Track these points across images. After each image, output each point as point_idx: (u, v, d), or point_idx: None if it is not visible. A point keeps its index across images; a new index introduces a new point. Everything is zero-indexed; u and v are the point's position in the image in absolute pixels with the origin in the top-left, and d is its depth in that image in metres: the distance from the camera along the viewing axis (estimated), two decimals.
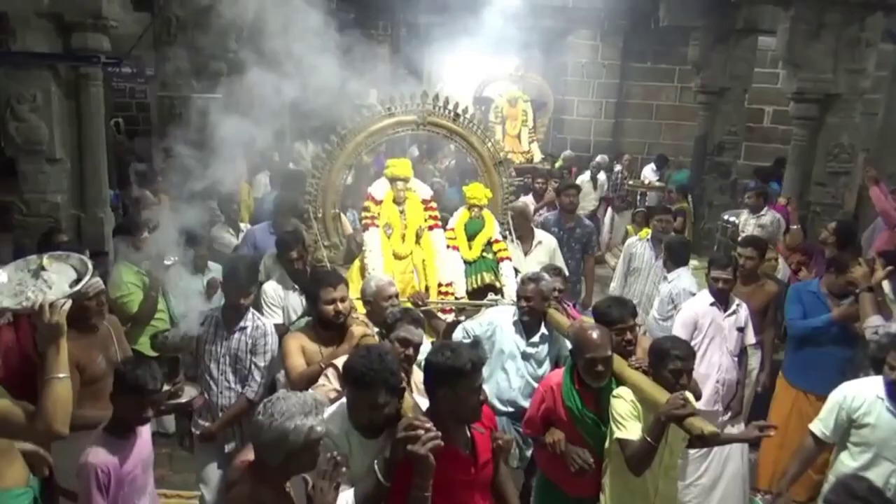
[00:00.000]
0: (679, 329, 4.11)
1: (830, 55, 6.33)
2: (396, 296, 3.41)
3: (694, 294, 4.63)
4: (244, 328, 3.36)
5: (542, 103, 10.32)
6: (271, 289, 4.00)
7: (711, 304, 4.23)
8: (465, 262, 4.32)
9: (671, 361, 2.85)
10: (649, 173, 10.57)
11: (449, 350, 2.35)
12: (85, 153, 4.94)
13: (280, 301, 3.99)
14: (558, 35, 11.60)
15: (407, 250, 4.15)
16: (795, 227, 6.00)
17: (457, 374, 2.30)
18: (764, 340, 4.54)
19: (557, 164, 9.73)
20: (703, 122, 9.22)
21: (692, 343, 3.84)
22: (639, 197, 9.77)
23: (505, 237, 4.59)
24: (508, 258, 4.40)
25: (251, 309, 3.40)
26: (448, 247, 4.29)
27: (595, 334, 2.93)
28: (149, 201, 5.67)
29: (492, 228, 4.46)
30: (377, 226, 4.12)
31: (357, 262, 4.11)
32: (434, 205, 4.36)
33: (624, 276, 5.61)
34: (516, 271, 4.36)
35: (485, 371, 3.62)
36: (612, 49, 12.04)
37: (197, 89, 5.68)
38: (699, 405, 3.45)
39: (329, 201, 4.38)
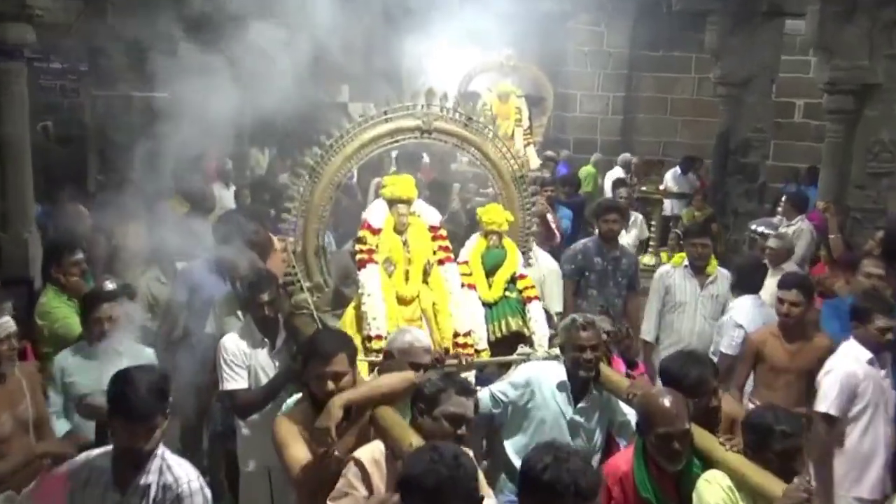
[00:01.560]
0: (839, 399, 3.83)
1: (866, 40, 6.10)
2: (430, 351, 3.27)
3: (741, 326, 4.55)
4: (145, 488, 2.37)
5: (538, 98, 10.11)
6: (233, 344, 3.77)
7: (869, 362, 3.93)
8: (485, 304, 4.04)
9: (778, 440, 2.67)
10: (672, 179, 10.32)
11: (553, 457, 2.16)
12: (6, 162, 4.86)
13: (245, 360, 3.77)
14: (557, 20, 11.45)
15: (413, 292, 3.86)
16: (834, 236, 5.78)
17: (554, 497, 2.11)
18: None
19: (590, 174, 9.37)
20: (725, 118, 9.06)
21: (850, 413, 3.77)
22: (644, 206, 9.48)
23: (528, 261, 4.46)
24: (537, 297, 4.14)
25: (161, 451, 2.43)
26: (463, 285, 3.99)
27: (668, 402, 2.78)
28: (80, 216, 5.35)
29: (515, 260, 4.19)
30: (376, 262, 3.81)
31: (350, 310, 3.82)
32: (444, 233, 4.07)
33: (659, 314, 5.34)
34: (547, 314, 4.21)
35: (519, 444, 3.50)
36: (619, 35, 11.95)
37: (138, 87, 5.71)
38: (863, 492, 3.44)
39: (311, 230, 4.10)
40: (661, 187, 9.13)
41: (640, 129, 12.36)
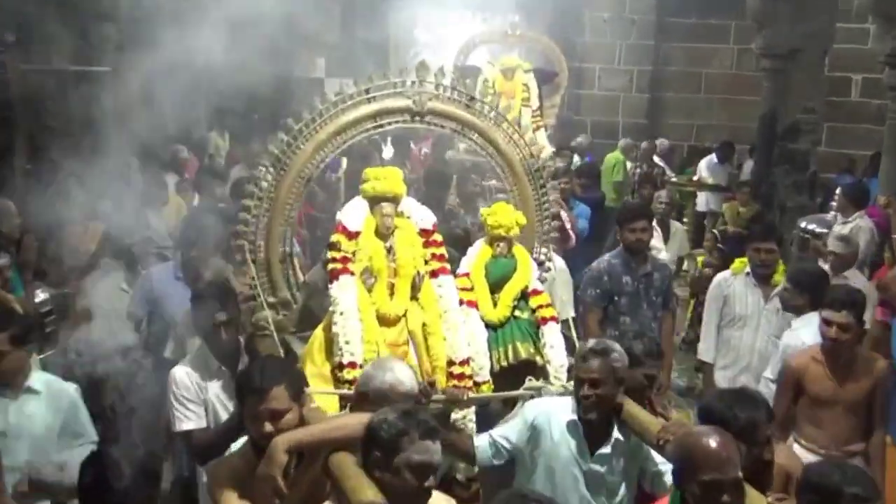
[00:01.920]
0: None
1: None
2: (413, 396, 3.14)
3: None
4: None
5: (550, 74, 9.94)
6: (183, 375, 3.72)
7: None
8: (489, 325, 3.98)
9: None
10: (707, 169, 10.25)
11: None
12: None
13: (197, 394, 3.73)
14: None
15: (398, 310, 3.77)
16: None
17: None
18: (874, 448, 4.29)
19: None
20: (770, 97, 9.10)
21: None
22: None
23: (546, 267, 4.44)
24: (554, 318, 4.04)
25: None
26: (462, 302, 3.91)
27: (715, 443, 2.62)
28: (4, 211, 5.32)
29: (527, 272, 4.12)
30: (351, 273, 3.71)
31: (319, 331, 3.73)
32: (438, 238, 3.98)
33: (717, 328, 5.29)
34: (566, 339, 4.09)
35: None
36: (643, 0, 11.94)
37: (76, 61, 5.70)
38: None
39: (275, 234, 4.03)
40: (695, 178, 8.98)
41: (668, 110, 12.34)
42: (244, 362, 3.80)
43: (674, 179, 9.24)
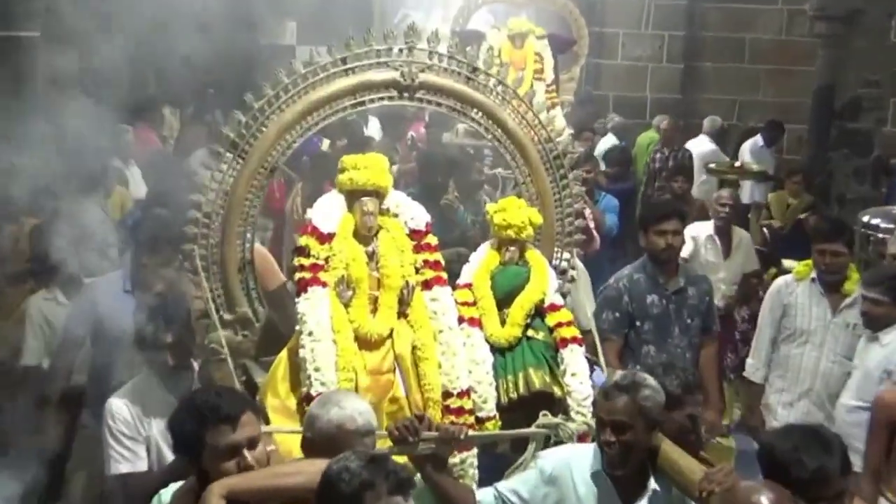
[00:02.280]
0: None
1: None
2: (372, 434, 3.07)
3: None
4: None
5: (566, 41, 9.79)
6: (121, 408, 3.72)
7: None
8: (496, 348, 3.97)
9: None
10: (751, 153, 10.10)
11: None
12: None
13: (138, 430, 3.73)
14: None
15: (382, 329, 3.79)
16: None
17: None
18: None
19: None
20: (826, 68, 9.28)
21: None
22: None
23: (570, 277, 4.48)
24: (577, 340, 4.00)
25: None
26: (462, 321, 3.94)
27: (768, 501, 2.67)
28: None
29: (543, 282, 4.10)
30: (323, 283, 3.74)
31: (284, 356, 3.75)
32: (432, 241, 4.01)
33: (772, 342, 5.27)
34: (591, 364, 4.08)
35: None
36: None
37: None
38: None
39: (233, 236, 4.00)
40: (737, 164, 8.86)
41: (706, 83, 12.17)
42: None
43: (711, 166, 9.06)
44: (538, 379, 3.88)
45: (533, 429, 3.68)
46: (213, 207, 3.94)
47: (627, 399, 3.19)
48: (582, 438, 3.70)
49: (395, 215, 3.97)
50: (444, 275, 3.96)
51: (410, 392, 3.73)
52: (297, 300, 3.69)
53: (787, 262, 6.65)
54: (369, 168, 3.88)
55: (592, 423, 3.58)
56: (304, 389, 3.51)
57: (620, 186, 7.64)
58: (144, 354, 3.80)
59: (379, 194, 3.91)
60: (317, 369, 3.54)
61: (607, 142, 10.21)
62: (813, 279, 5.17)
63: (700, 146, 10.16)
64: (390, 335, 3.79)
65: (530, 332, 4.01)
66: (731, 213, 6.72)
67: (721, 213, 6.66)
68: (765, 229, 8.24)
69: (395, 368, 3.77)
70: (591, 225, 5.96)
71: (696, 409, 3.62)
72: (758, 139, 10.43)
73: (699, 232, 6.59)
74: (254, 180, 3.97)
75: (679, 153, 9.65)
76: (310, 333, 3.60)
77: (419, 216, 4.00)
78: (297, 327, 3.67)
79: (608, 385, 3.31)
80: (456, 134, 7.70)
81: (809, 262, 5.23)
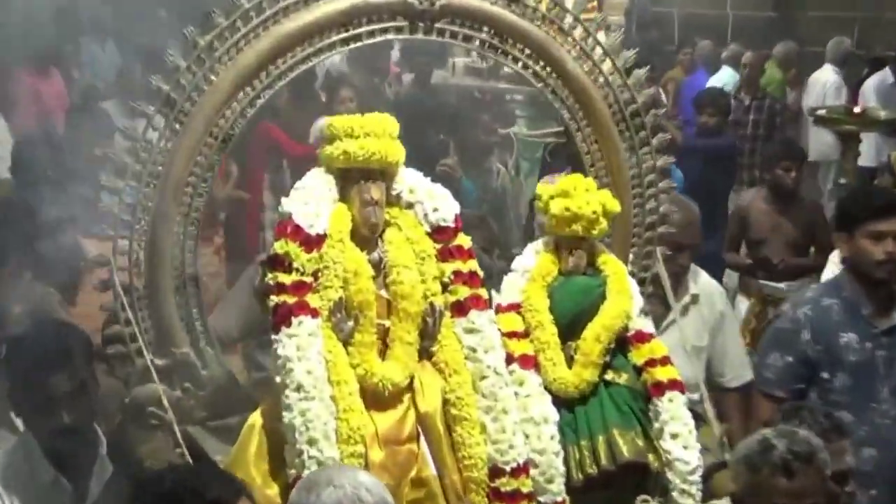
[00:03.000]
0: None
1: None
2: None
3: None
4: None
5: None
6: None
7: None
8: (560, 400, 3.89)
9: None
10: (877, 93, 10.08)
11: None
12: None
13: None
14: None
15: (399, 377, 3.68)
16: None
17: None
18: None
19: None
20: None
21: None
22: None
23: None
24: (677, 384, 3.97)
25: None
26: (510, 360, 3.86)
27: None
28: None
29: (626, 299, 4.05)
30: (314, 312, 3.63)
31: (257, 423, 3.68)
32: (465, 243, 3.90)
33: None
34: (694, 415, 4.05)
35: None
36: None
37: None
38: None
39: (166, 238, 3.91)
40: (857, 110, 8.86)
41: None
42: (105, 472, 3.69)
43: (820, 113, 8.85)
44: (627, 444, 3.80)
45: None
46: (138, 197, 3.83)
47: (813, 472, 3.24)
48: None
49: (410, 205, 3.84)
50: (484, 293, 3.86)
51: (444, 470, 3.64)
52: (274, 339, 3.56)
53: None
54: (373, 136, 3.71)
55: None
56: (293, 472, 3.40)
57: (715, 142, 7.60)
58: (18, 411, 3.75)
59: (386, 175, 3.77)
60: (310, 442, 3.42)
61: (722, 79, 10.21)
62: None
63: (825, 77, 10.23)
64: (410, 386, 3.68)
65: (609, 375, 3.95)
66: None
67: None
68: None
69: (418, 435, 3.67)
70: None
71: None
72: (886, 74, 10.40)
73: None
74: (197, 155, 3.84)
75: (767, 103, 9.59)
76: (297, 388, 3.47)
77: (445, 206, 3.86)
78: (277, 378, 3.54)
79: (781, 456, 3.26)
80: (452, 71, 7.62)
81: None
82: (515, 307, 3.93)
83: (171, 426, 3.70)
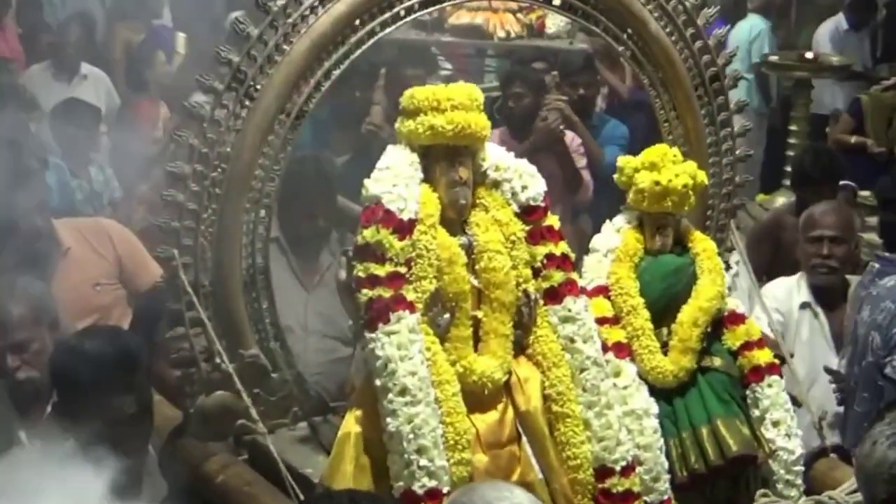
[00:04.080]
0: None
1: None
2: None
3: None
4: None
5: None
6: None
7: None
8: (655, 390, 3.77)
9: None
10: (830, 38, 9.97)
11: None
12: None
13: None
14: None
15: (499, 373, 3.51)
16: None
17: None
18: None
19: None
20: None
21: None
22: None
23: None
24: (776, 368, 3.88)
25: None
26: (604, 349, 3.72)
27: None
28: None
29: (719, 278, 3.93)
30: (412, 307, 3.44)
31: (352, 431, 3.47)
32: (555, 223, 3.72)
33: None
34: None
35: None
36: None
37: None
38: None
39: (236, 228, 3.74)
40: (809, 55, 8.98)
41: None
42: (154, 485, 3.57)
43: (772, 59, 9.02)
44: (734, 436, 3.66)
45: None
46: (204, 184, 3.60)
47: None
48: None
49: (496, 184, 3.62)
50: (578, 277, 3.71)
51: (550, 473, 3.47)
52: (370, 337, 3.36)
53: None
54: (461, 108, 3.47)
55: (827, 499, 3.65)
56: (400, 485, 3.25)
57: None
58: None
59: (470, 152, 3.55)
60: (420, 451, 3.26)
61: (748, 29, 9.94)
62: None
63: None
64: (506, 383, 3.52)
65: (705, 361, 3.82)
66: None
67: None
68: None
69: (518, 436, 3.51)
70: (582, 163, 5.96)
71: None
72: (839, 20, 10.30)
73: None
74: (269, 135, 3.62)
75: None
76: (402, 392, 3.29)
77: (534, 184, 3.65)
78: (378, 381, 3.35)
79: None
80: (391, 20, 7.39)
81: None
82: (603, 290, 3.79)
83: (263, 439, 3.60)
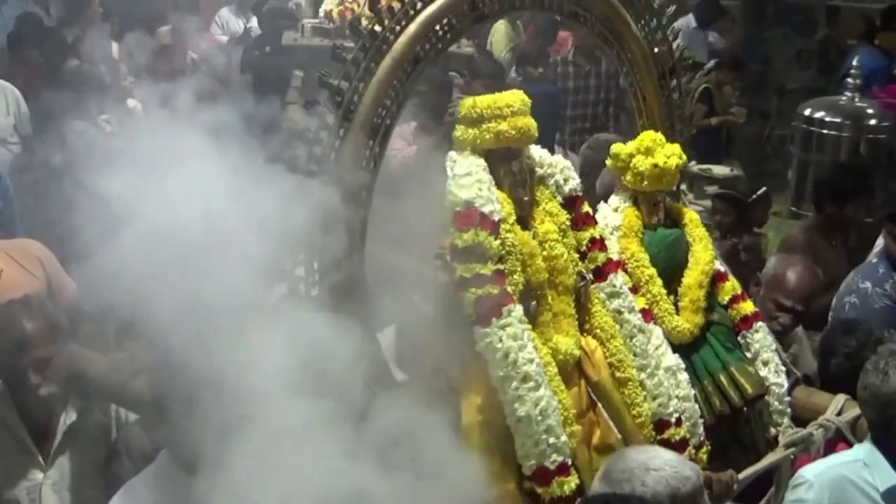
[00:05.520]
0: None
1: None
2: None
3: None
4: None
5: None
6: None
7: None
8: (674, 346, 3.96)
9: None
10: (682, 36, 9.95)
11: None
12: None
13: None
14: None
15: (576, 350, 3.67)
16: None
17: None
18: None
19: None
20: None
21: None
22: None
23: None
24: (759, 316, 4.18)
25: None
26: (640, 315, 3.92)
27: None
28: None
29: (709, 247, 4.16)
30: (515, 301, 3.51)
31: (473, 420, 3.53)
32: (589, 209, 3.94)
33: None
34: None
35: None
36: None
37: None
38: None
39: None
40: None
41: None
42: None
43: None
44: (748, 379, 3.86)
45: (783, 451, 3.80)
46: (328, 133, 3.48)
47: None
48: (831, 446, 3.82)
49: (542, 179, 3.75)
50: (616, 256, 3.87)
51: (627, 435, 3.63)
52: (485, 332, 3.39)
53: None
54: (520, 114, 3.59)
55: (839, 421, 3.84)
56: (532, 463, 3.30)
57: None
58: None
59: (522, 152, 3.68)
60: (548, 430, 3.32)
61: None
62: None
63: None
64: (580, 353, 3.66)
65: (712, 317, 4.01)
66: None
67: None
68: None
69: (593, 404, 3.66)
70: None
71: None
72: (689, 19, 10.45)
73: None
74: (394, 79, 3.53)
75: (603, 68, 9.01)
76: (524, 378, 3.34)
77: (572, 176, 3.80)
78: (499, 372, 3.38)
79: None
80: (301, 32, 7.39)
81: None
82: (619, 264, 3.91)
83: None
